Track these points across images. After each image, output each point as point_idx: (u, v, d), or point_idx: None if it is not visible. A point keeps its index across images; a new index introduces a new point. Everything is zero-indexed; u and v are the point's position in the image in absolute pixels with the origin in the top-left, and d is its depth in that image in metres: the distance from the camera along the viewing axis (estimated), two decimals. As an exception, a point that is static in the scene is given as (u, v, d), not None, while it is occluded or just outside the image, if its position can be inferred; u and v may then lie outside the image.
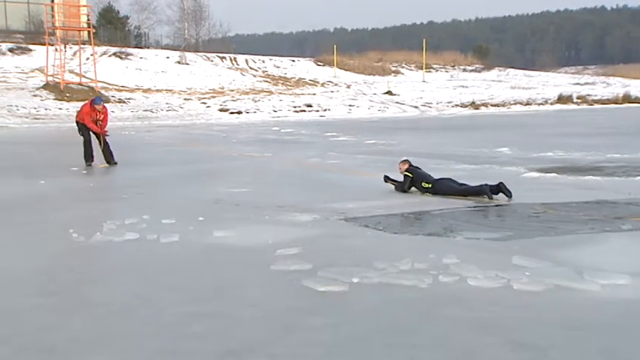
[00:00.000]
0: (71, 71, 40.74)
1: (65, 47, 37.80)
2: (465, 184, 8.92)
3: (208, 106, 38.15)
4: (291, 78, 55.53)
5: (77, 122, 13.53)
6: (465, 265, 5.12)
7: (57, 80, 36.63)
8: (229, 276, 5.03)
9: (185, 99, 40.04)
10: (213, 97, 41.66)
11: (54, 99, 34.54)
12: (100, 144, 13.26)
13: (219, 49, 62.71)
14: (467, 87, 55.93)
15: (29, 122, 28.93)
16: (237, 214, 7.60)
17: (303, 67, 60.54)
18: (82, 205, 8.57)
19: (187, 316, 4.14)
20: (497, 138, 19.93)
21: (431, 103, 46.52)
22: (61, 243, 6.21)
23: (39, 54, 45.11)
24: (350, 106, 42.01)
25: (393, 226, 6.84)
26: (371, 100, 45.12)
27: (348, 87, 53.03)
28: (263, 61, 60.53)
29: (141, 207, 8.02)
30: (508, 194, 8.44)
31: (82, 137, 13.30)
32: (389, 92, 49.82)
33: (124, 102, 36.59)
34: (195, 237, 6.34)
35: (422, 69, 65.25)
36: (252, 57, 61.06)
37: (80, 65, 38.57)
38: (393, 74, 64.24)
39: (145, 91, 41.95)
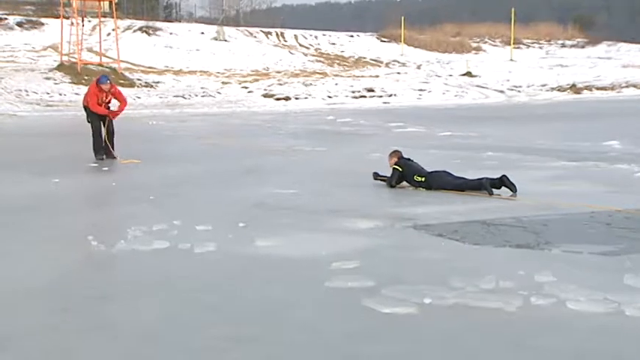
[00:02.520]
0: (90, 49, 41.63)
1: (83, 21, 38.68)
2: (462, 178, 9.51)
3: (250, 91, 38.46)
4: (350, 57, 55.47)
5: (84, 107, 13.79)
6: (563, 284, 5.03)
7: (73, 60, 37.48)
8: (275, 293, 5.08)
9: (223, 82, 40.44)
10: (257, 80, 41.97)
11: (70, 82, 35.36)
12: (106, 131, 13.39)
13: (263, 22, 63.15)
14: (566, 66, 54.69)
15: (41, 110, 29.70)
16: (285, 220, 7.66)
17: (363, 44, 60.39)
18: (103, 208, 8.78)
19: (225, 340, 4.20)
20: (604, 129, 19.46)
21: (520, 87, 45.73)
22: (78, 252, 6.38)
23: (52, 29, 46.30)
24: (420, 90, 41.68)
25: (473, 236, 6.79)
26: (446, 84, 44.67)
27: (418, 67, 52.64)
28: (316, 37, 60.67)
29: (171, 210, 8.16)
30: (512, 188, 9.07)
31: (90, 126, 13.50)
32: (468, 73, 49.23)
33: (152, 86, 37.21)
34: (235, 247, 6.42)
35: (509, 45, 64.21)
36: (302, 32, 61.26)
37: (100, 42, 39.39)
38: (473, 52, 63.45)
39: (176, 73, 42.58)
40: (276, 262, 5.91)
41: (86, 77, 35.21)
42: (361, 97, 39.08)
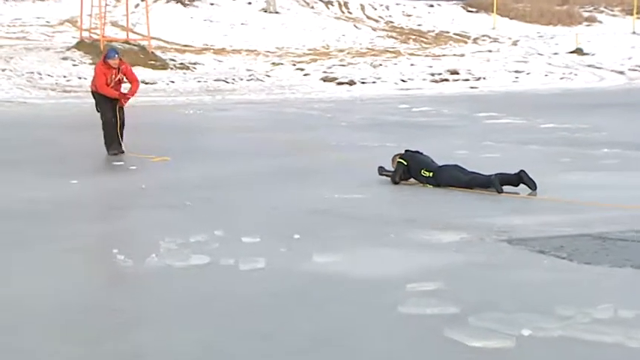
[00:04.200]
0: (115, 24, 42.24)
1: (107, -10, 39.24)
2: (475, 173, 10.21)
3: (307, 74, 38.54)
4: (428, 32, 55.10)
5: (93, 93, 14.01)
6: (700, 315, 4.94)
7: (95, 36, 38.04)
8: (337, 320, 5.09)
9: (274, 64, 40.61)
10: (314, 60, 42.04)
11: (91, 63, 35.84)
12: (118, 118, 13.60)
13: (322, -11, 63.21)
14: None
15: (56, 96, 30.20)
16: (349, 231, 7.67)
17: (446, 15, 59.94)
18: (130, 215, 8.91)
19: (277, 376, 4.23)
20: None
21: (645, 67, 44.73)
22: (101, 269, 6.50)
23: None
24: (517, 72, 41.19)
25: (584, 253, 6.71)
26: (550, 64, 44.06)
27: (514, 44, 52.00)
28: (387, 7, 60.46)
29: (212, 219, 8.26)
30: (531, 186, 9.74)
31: (100, 115, 13.69)
32: (578, 51, 48.45)
33: (188, 68, 37.56)
34: (288, 263, 6.47)
35: (632, 14, 62.97)
36: (370, 1, 61.16)
37: (127, 15, 39.90)
38: (585, 23, 62.40)
39: (218, 52, 42.90)
40: (338, 283, 5.93)
41: (110, 57, 35.64)
42: (442, 80, 38.81)
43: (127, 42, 37.90)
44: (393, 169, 10.65)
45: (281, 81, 36.83)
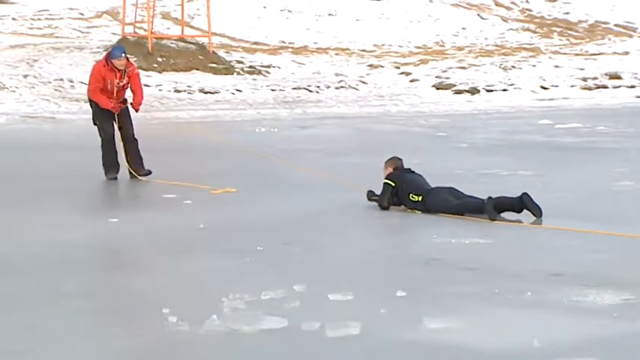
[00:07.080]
0: (166, 15, 42.83)
1: (156, -27, 39.91)
2: (471, 197, 10.95)
3: (414, 80, 38.51)
4: (579, 22, 54.60)
5: (90, 101, 14.28)
6: None
7: (141, 33, 38.68)
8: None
9: (371, 66, 40.71)
10: (424, 62, 42.01)
11: (137, 67, 36.48)
12: (122, 137, 13.82)
13: (436, -32, 63.25)
14: None
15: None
16: (470, 287, 7.65)
17: (603, 0, 59.38)
18: (185, 264, 9.00)
19: None
20: None
21: None
22: (148, 333, 6.57)
23: (110, -13, 47.94)
24: None
25: None
26: None
27: (700, 37, 51.13)
28: (522, -9, 60.20)
29: (289, 269, 8.32)
30: (535, 212, 10.53)
31: (98, 131, 13.98)
32: None
33: (259, 73, 37.82)
34: (390, 328, 6.47)
35: None
36: (500, -18, 60.93)
37: (182, 5, 40.46)
38: None
39: (297, 51, 43.13)
40: (458, 356, 5.93)
41: (160, 59, 36.12)
42: (599, 87, 38.39)
43: (181, 39, 38.42)
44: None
45: (380, 89, 36.85)
